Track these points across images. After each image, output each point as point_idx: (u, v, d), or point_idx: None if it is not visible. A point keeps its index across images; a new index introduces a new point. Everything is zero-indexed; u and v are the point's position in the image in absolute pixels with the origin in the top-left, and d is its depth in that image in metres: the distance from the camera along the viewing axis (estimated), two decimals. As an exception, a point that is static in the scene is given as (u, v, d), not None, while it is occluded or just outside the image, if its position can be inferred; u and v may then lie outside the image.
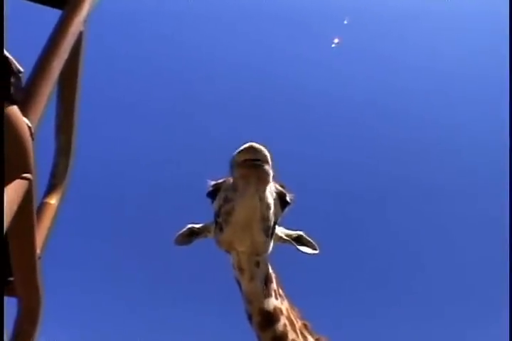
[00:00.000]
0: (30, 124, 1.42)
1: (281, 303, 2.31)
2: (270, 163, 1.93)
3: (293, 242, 2.40)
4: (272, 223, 2.14)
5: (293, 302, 2.44)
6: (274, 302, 2.25)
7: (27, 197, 1.42)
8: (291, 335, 2.23)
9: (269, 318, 2.21)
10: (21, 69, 1.44)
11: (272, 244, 2.26)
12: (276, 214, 2.18)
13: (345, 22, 13.36)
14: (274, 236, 2.28)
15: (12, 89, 1.36)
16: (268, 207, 2.04)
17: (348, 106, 15.07)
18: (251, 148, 1.88)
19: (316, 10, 14.48)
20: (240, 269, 2.29)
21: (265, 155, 1.89)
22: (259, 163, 1.89)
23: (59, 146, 2.09)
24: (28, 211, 1.47)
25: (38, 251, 1.84)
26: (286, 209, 2.30)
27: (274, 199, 2.16)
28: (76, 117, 2.03)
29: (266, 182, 1.96)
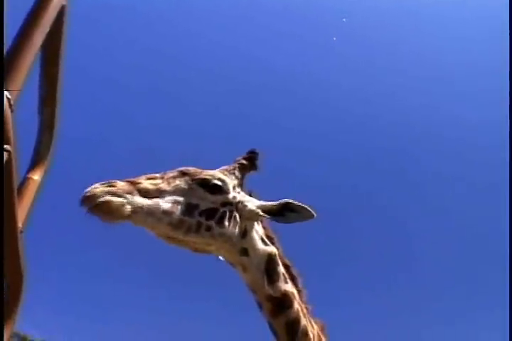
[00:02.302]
0: (9, 96, 1.41)
1: (292, 287, 2.19)
2: (106, 189, 1.87)
3: (267, 216, 2.19)
4: (203, 216, 2.04)
5: (301, 283, 2.30)
6: (282, 286, 2.13)
7: (7, 168, 1.43)
8: (303, 321, 2.13)
9: (281, 304, 2.11)
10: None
11: (235, 229, 2.13)
12: (212, 202, 2.09)
13: (344, 20, 13.34)
14: (236, 220, 2.15)
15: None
16: (167, 213, 1.96)
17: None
18: (82, 200, 1.84)
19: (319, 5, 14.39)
20: (230, 263, 2.22)
21: (93, 195, 1.84)
22: (92, 203, 1.83)
23: (42, 122, 2.08)
24: (8, 182, 1.48)
25: (20, 224, 1.85)
26: (229, 189, 2.19)
27: (194, 191, 2.07)
28: (59, 92, 2.02)
29: (115, 211, 1.86)
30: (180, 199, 2.02)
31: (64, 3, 1.77)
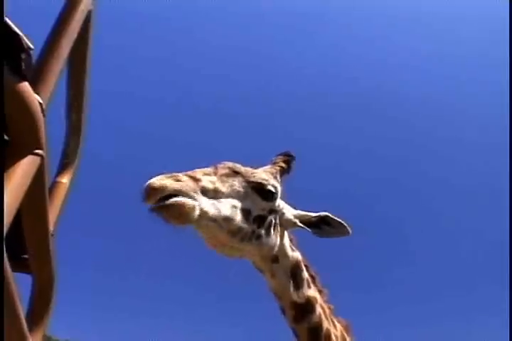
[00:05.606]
0: (41, 101, 1.44)
1: (315, 291, 2.18)
2: (176, 186, 1.71)
3: (306, 228, 2.17)
4: (256, 224, 1.97)
5: (321, 283, 2.30)
6: (306, 292, 2.13)
7: (39, 172, 1.45)
8: (325, 324, 2.14)
9: (304, 310, 2.11)
10: (31, 46, 1.45)
11: (277, 238, 2.10)
12: (262, 209, 2.01)
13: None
14: (277, 228, 2.11)
15: (23, 65, 1.38)
16: (227, 219, 1.86)
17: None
18: (147, 191, 1.68)
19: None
20: (259, 270, 2.19)
21: (162, 189, 1.68)
22: (161, 204, 1.69)
23: (70, 126, 2.11)
24: (40, 186, 1.50)
25: (51, 228, 1.87)
26: (277, 195, 2.10)
27: (248, 195, 1.98)
28: (86, 97, 2.05)
29: (186, 215, 1.72)
30: (238, 203, 1.93)
31: (90, 8, 1.79)
